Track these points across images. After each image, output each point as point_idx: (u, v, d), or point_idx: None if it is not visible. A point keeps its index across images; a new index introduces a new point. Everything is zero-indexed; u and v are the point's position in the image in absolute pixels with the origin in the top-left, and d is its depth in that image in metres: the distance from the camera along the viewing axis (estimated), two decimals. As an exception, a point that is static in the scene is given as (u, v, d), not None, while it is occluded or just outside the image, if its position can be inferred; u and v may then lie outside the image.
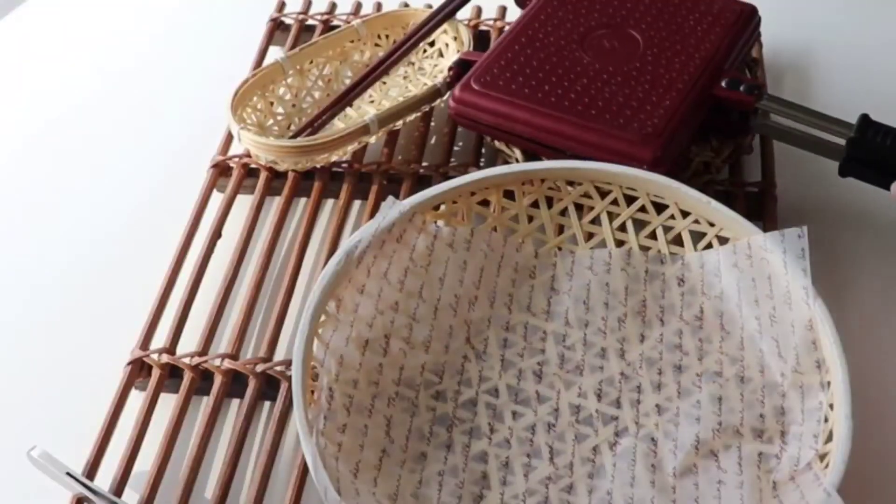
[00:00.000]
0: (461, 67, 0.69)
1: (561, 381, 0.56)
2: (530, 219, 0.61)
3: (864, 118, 0.60)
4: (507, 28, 0.75)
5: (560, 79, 0.65)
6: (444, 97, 0.71)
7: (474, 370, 0.56)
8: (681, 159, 0.62)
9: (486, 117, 0.64)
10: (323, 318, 0.53)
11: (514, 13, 0.77)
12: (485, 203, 0.60)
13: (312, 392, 0.50)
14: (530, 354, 0.57)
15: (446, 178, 0.68)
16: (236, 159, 0.72)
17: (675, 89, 0.63)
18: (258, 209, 0.68)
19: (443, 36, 0.78)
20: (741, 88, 0.63)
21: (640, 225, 0.60)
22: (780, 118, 0.63)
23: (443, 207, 0.59)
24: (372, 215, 0.66)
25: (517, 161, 0.66)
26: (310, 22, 0.84)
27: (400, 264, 0.57)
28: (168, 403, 0.57)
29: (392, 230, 0.56)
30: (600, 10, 0.70)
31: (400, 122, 0.70)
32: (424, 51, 0.79)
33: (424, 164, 0.71)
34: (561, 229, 0.61)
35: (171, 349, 0.60)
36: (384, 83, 0.77)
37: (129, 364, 0.59)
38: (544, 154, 0.63)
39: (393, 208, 0.56)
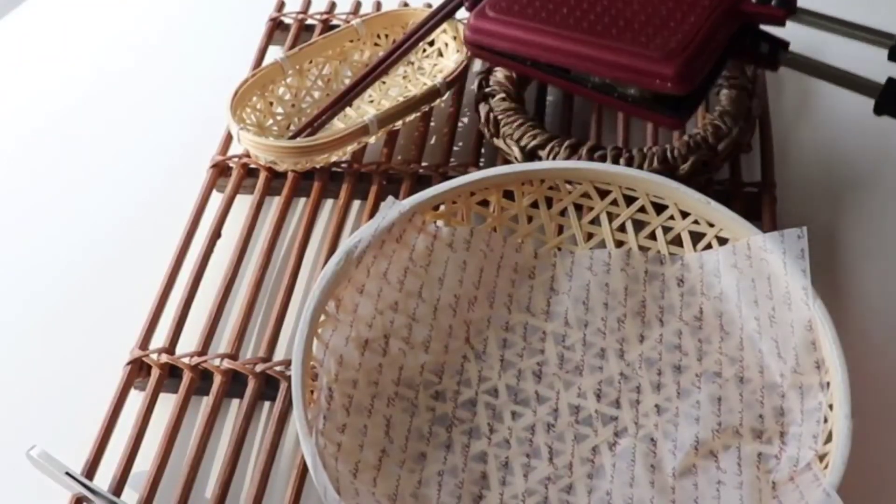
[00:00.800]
0: None
1: (560, 382, 0.56)
2: (530, 219, 0.61)
3: None
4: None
5: (578, 0, 0.64)
6: (444, 97, 0.71)
7: (474, 370, 0.56)
8: (707, 84, 0.62)
9: (503, 44, 0.64)
10: (322, 318, 0.53)
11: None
12: (484, 203, 0.60)
13: (312, 392, 0.50)
14: (530, 355, 0.57)
15: (446, 178, 0.68)
16: (236, 159, 0.72)
17: (701, 5, 0.61)
18: (258, 209, 0.68)
19: (442, 35, 0.78)
20: (771, 2, 0.62)
21: (639, 225, 0.60)
22: (809, 57, 0.64)
23: (442, 207, 0.59)
24: (371, 215, 0.66)
25: (517, 161, 0.66)
26: (309, 21, 0.84)
27: (399, 264, 0.57)
28: (167, 403, 0.57)
29: (392, 230, 0.56)
30: None
31: (399, 122, 0.70)
32: (424, 50, 0.79)
33: (424, 164, 0.71)
34: (560, 229, 0.61)
35: (170, 349, 0.60)
36: (384, 83, 0.77)
37: (128, 364, 0.59)
38: (563, 86, 0.66)
39: (392, 208, 0.56)
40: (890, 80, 0.59)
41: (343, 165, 0.71)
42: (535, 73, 0.65)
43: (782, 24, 0.62)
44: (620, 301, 0.58)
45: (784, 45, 0.63)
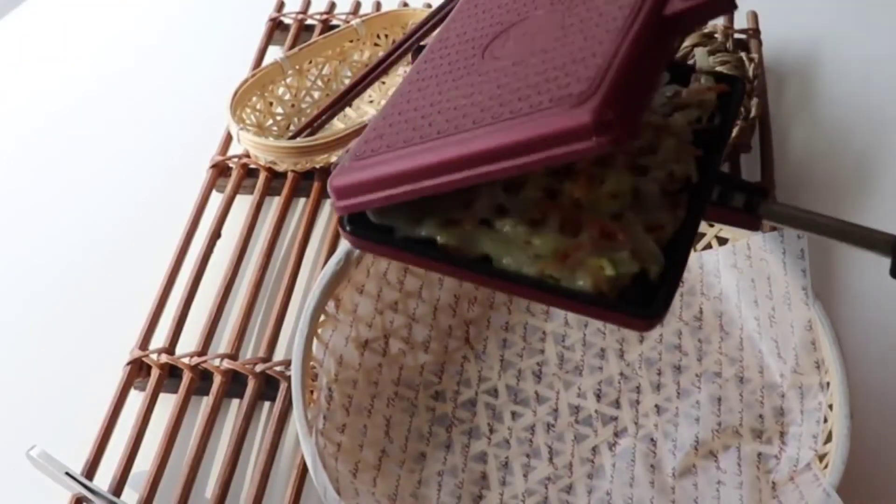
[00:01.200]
0: None
1: (560, 382, 0.56)
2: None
3: None
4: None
5: (462, 99, 0.45)
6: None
7: (473, 370, 0.56)
8: (682, 258, 0.45)
9: (376, 196, 0.44)
10: (322, 318, 0.53)
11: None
12: None
13: (312, 392, 0.50)
14: (529, 355, 0.57)
15: (446, 178, 0.68)
16: (235, 159, 0.72)
17: (608, 27, 0.43)
18: (257, 209, 0.68)
19: (442, 36, 0.78)
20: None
21: None
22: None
23: None
24: (371, 215, 0.65)
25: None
26: (309, 22, 0.84)
27: (399, 265, 0.57)
28: (167, 403, 0.57)
29: None
30: (493, 16, 0.50)
31: (399, 123, 0.70)
32: (424, 51, 0.79)
33: (424, 164, 0.70)
34: None
35: (170, 349, 0.60)
36: (383, 83, 0.77)
37: (128, 364, 0.59)
38: (487, 283, 0.45)
39: None
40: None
41: (343, 165, 0.70)
42: (444, 269, 0.45)
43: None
44: None
45: (763, 192, 0.48)
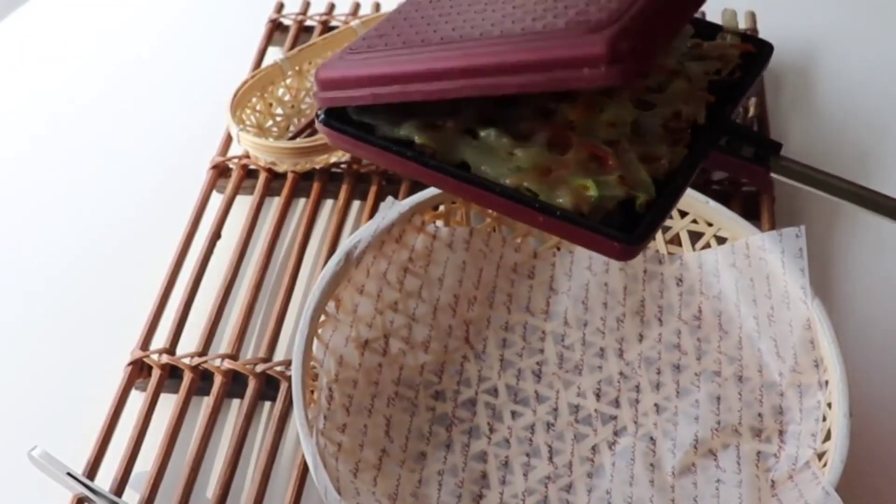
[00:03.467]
0: None
1: (560, 381, 0.56)
2: (529, 219, 0.61)
3: None
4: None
5: (473, 13, 0.42)
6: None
7: (473, 370, 0.56)
8: (675, 191, 0.43)
9: (361, 93, 0.42)
10: (322, 318, 0.53)
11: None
12: None
13: (312, 392, 0.51)
14: (529, 354, 0.57)
15: (445, 178, 0.68)
16: (235, 160, 0.72)
17: None
18: (257, 210, 0.68)
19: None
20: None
21: None
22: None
23: (441, 208, 0.59)
24: (371, 216, 0.66)
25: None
26: (308, 23, 0.84)
27: (399, 265, 0.57)
28: (168, 404, 0.58)
29: (391, 230, 0.56)
30: None
31: (399, 123, 0.71)
32: (423, 51, 0.79)
33: (423, 164, 0.71)
34: None
35: (170, 349, 0.60)
36: (383, 84, 0.77)
37: (129, 364, 0.59)
38: (461, 192, 0.43)
39: (392, 209, 0.57)
40: None
41: (342, 166, 0.71)
42: (418, 171, 0.42)
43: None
44: (619, 300, 0.58)
45: (775, 147, 0.46)
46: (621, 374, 0.56)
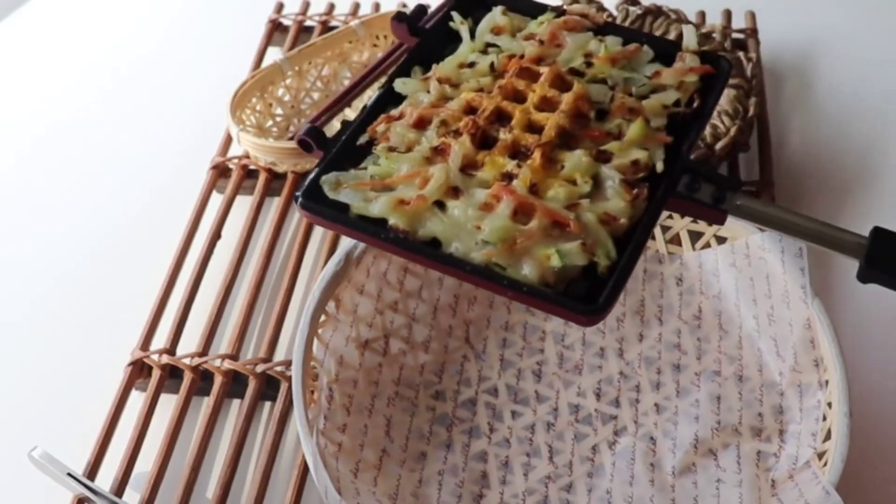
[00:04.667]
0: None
1: (560, 381, 0.56)
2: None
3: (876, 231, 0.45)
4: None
5: None
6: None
7: (473, 370, 0.56)
8: (632, 256, 0.43)
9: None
10: (323, 318, 0.53)
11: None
12: None
13: (312, 392, 0.51)
14: (529, 354, 0.57)
15: (445, 178, 0.68)
16: (235, 160, 0.72)
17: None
18: (257, 210, 0.68)
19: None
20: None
21: None
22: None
23: None
24: (371, 216, 0.66)
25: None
26: (308, 23, 0.84)
27: (399, 265, 0.57)
28: (168, 404, 0.58)
29: None
30: None
31: (399, 123, 0.71)
32: (423, 51, 0.79)
33: (423, 164, 0.71)
34: None
35: (171, 350, 0.60)
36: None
37: (129, 365, 0.59)
38: (432, 266, 0.45)
39: None
40: (877, 230, 0.44)
41: (342, 166, 0.71)
42: (393, 250, 0.44)
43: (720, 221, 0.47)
44: (619, 300, 0.58)
45: (733, 185, 0.46)
46: (621, 373, 0.56)
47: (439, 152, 0.46)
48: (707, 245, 0.58)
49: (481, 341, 0.58)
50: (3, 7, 0.94)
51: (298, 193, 0.45)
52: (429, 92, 0.49)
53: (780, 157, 0.69)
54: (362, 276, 0.55)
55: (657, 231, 0.59)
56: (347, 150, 0.47)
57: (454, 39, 0.51)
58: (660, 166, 0.45)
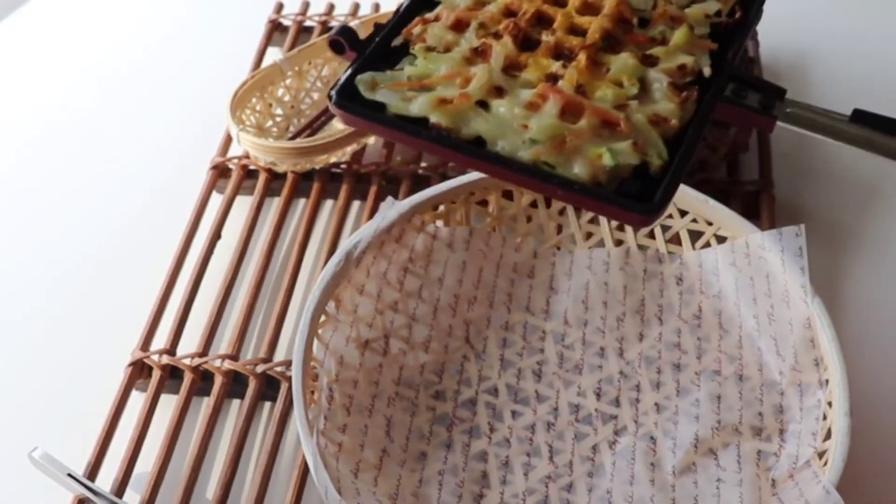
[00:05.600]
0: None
1: (560, 381, 0.56)
2: (529, 219, 0.61)
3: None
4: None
5: None
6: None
7: (473, 370, 0.56)
8: (685, 158, 0.43)
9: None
10: (323, 318, 0.53)
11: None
12: (483, 203, 0.61)
13: (312, 392, 0.51)
14: (529, 354, 0.57)
15: (445, 178, 0.68)
16: (235, 161, 0.72)
17: None
18: (257, 210, 0.68)
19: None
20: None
21: None
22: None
23: (441, 208, 0.59)
24: (371, 216, 0.66)
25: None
26: (308, 23, 0.84)
27: (399, 265, 0.57)
28: (169, 404, 0.58)
29: (391, 231, 0.56)
30: None
31: (398, 123, 0.71)
32: (423, 51, 0.79)
33: (423, 164, 0.71)
34: (560, 229, 0.61)
35: (171, 350, 0.60)
36: (383, 84, 0.77)
37: (129, 365, 0.59)
38: (479, 167, 0.45)
39: (392, 209, 0.57)
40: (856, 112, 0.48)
41: (342, 166, 0.71)
42: (434, 150, 0.44)
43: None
44: (619, 300, 0.58)
45: (780, 93, 0.46)
46: (621, 373, 0.56)
47: (480, 54, 0.45)
48: (707, 244, 0.58)
49: (481, 341, 0.58)
50: (3, 7, 0.94)
51: (332, 92, 0.43)
52: None
53: (780, 157, 0.69)
54: (362, 276, 0.55)
55: (657, 230, 0.59)
56: (382, 52, 0.46)
57: None
58: (707, 71, 0.45)
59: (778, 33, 0.79)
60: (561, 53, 0.45)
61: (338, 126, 0.73)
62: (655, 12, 0.47)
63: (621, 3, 0.46)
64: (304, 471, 0.53)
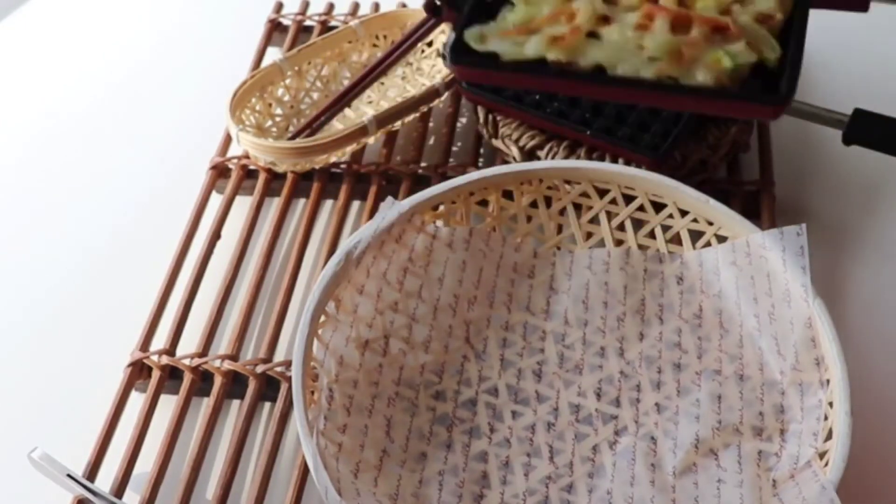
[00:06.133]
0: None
1: (560, 381, 0.56)
2: (529, 219, 0.61)
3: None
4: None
5: None
6: (443, 97, 0.72)
7: (474, 370, 0.56)
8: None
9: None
10: (322, 318, 0.53)
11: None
12: (483, 203, 0.60)
13: (312, 392, 0.51)
14: (529, 354, 0.57)
15: (445, 178, 0.68)
16: (235, 161, 0.72)
17: None
18: (257, 210, 0.68)
19: (441, 36, 0.78)
20: None
21: (638, 224, 0.60)
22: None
23: (441, 208, 0.59)
24: (371, 216, 0.66)
25: (516, 161, 0.66)
26: (307, 23, 0.84)
27: (399, 265, 0.57)
28: (168, 405, 0.58)
29: (391, 230, 0.56)
30: None
31: (398, 123, 0.71)
32: (422, 51, 0.79)
33: (423, 164, 0.71)
34: (560, 229, 0.61)
35: (171, 350, 0.60)
36: (382, 84, 0.77)
37: (129, 366, 0.59)
38: (583, 138, 0.51)
39: (392, 209, 0.56)
40: (857, 111, 0.53)
41: (342, 166, 0.71)
42: (560, 85, 0.48)
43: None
44: (620, 300, 0.58)
45: None
46: (622, 373, 0.56)
47: None
48: (708, 244, 0.58)
49: (481, 341, 0.57)
50: (3, 7, 0.94)
51: (445, 52, 0.46)
52: None
53: (780, 157, 0.69)
54: (362, 276, 0.55)
55: (657, 230, 0.59)
56: (480, 7, 0.47)
57: None
58: None
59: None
60: None
61: (337, 126, 0.73)
62: None
63: None
64: (304, 471, 0.53)
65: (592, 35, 0.45)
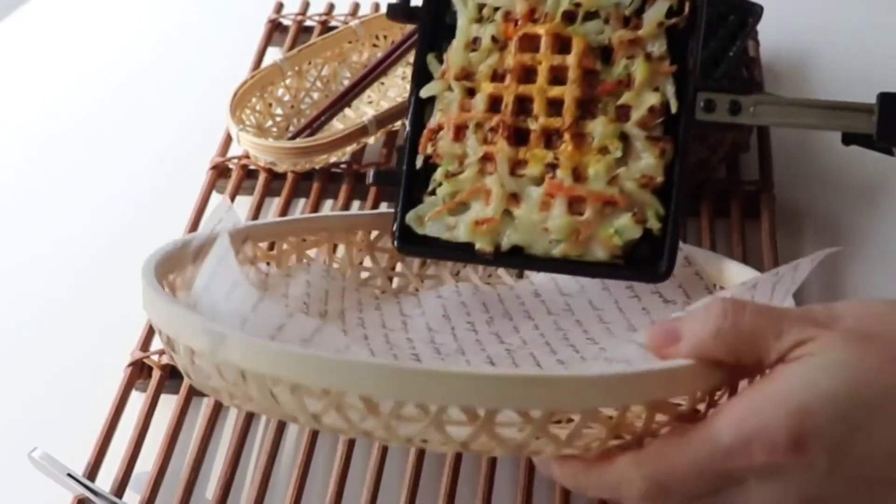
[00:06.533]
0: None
1: (444, 362, 0.51)
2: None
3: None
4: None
5: None
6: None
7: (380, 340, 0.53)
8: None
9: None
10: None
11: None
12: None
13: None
14: (401, 352, 0.52)
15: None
16: (235, 160, 0.72)
17: None
18: (257, 210, 0.68)
19: (441, 36, 0.78)
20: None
21: None
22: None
23: (274, 250, 0.56)
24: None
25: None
26: (308, 23, 0.85)
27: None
28: (168, 404, 0.57)
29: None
30: None
31: (398, 123, 0.71)
32: (423, 51, 0.79)
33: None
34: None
35: (171, 350, 0.60)
36: (382, 84, 0.77)
37: (129, 365, 0.59)
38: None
39: (226, 219, 0.53)
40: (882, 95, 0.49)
41: (342, 166, 0.71)
42: (489, 264, 0.55)
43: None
44: (481, 310, 0.55)
45: (745, 90, 0.50)
46: (508, 351, 0.51)
47: (487, 159, 0.51)
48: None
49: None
50: (3, 7, 0.94)
51: (395, 242, 0.53)
52: (450, 89, 0.53)
53: (780, 157, 0.69)
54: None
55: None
56: (413, 179, 0.53)
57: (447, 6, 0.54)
58: (674, 105, 0.49)
59: (779, 32, 0.79)
60: (550, 137, 0.51)
61: (337, 126, 0.73)
62: (613, 41, 0.49)
63: (583, 57, 0.50)
64: (305, 471, 0.53)
65: (508, 213, 0.51)
